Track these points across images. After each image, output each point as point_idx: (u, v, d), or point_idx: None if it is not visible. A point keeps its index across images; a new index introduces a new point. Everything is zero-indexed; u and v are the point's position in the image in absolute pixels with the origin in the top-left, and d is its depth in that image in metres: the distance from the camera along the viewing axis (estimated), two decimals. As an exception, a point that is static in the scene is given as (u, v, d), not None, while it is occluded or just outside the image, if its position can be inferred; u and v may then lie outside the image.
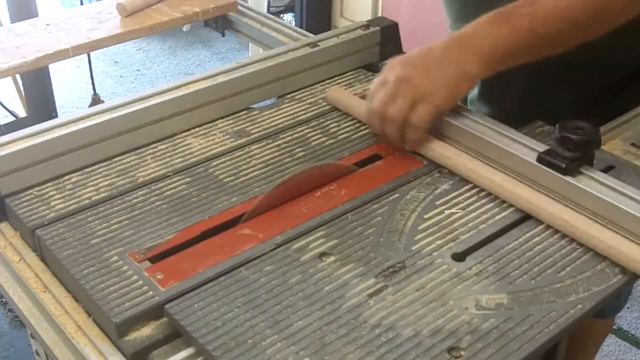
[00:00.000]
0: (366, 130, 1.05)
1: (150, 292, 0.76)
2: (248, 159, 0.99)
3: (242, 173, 0.96)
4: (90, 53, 1.92)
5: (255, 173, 0.96)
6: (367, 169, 0.98)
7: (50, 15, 1.52)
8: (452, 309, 0.75)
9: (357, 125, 1.06)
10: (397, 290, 0.77)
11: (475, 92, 1.27)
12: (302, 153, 1.01)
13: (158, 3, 1.55)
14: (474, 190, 0.92)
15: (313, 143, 1.03)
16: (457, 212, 0.89)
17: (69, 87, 3.32)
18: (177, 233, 0.85)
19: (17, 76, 2.45)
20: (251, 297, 0.76)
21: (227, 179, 0.95)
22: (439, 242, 0.84)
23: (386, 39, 1.22)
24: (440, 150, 0.97)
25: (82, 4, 2.42)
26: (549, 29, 0.92)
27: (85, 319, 0.77)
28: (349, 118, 1.08)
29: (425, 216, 0.88)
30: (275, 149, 1.02)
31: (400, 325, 0.73)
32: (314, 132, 1.05)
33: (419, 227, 0.86)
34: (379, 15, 2.94)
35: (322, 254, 0.82)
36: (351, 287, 0.77)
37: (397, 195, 0.92)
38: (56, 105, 2.40)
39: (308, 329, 0.72)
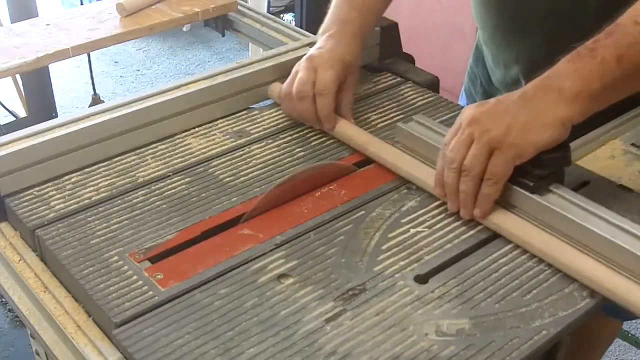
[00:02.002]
0: (366, 130, 1.05)
1: (150, 292, 0.76)
2: (248, 159, 0.99)
3: (242, 173, 0.96)
4: (90, 53, 1.92)
5: (255, 173, 0.96)
6: (367, 168, 0.98)
7: (50, 15, 1.52)
8: (412, 335, 0.72)
9: (357, 125, 1.06)
10: (356, 314, 0.74)
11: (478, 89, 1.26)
12: (302, 153, 1.01)
13: (158, 3, 1.55)
14: (441, 208, 0.89)
15: (313, 143, 1.03)
16: (423, 231, 0.85)
17: (69, 87, 3.32)
18: (177, 233, 0.85)
19: (17, 76, 2.45)
20: (203, 323, 0.73)
21: (227, 179, 0.95)
22: (402, 262, 0.81)
23: (386, 39, 1.22)
24: (409, 168, 0.94)
25: (82, 4, 2.42)
26: (638, 55, 0.81)
27: (85, 319, 0.77)
28: (349, 118, 1.08)
29: (390, 235, 0.85)
30: (275, 149, 1.02)
31: (356, 352, 0.70)
32: (314, 132, 1.05)
33: (383, 247, 0.83)
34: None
35: (281, 276, 0.79)
36: (308, 311, 0.74)
37: (363, 212, 0.88)
38: (56, 105, 2.39)
39: (260, 357, 0.69)
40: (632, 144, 1.00)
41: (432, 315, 0.74)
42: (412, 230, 0.86)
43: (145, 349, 0.70)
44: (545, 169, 0.83)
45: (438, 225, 0.87)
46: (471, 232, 0.85)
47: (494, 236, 0.85)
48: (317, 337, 0.71)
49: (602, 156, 0.98)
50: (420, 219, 0.88)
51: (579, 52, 0.83)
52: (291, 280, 0.78)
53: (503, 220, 0.84)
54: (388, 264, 0.81)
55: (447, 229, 0.86)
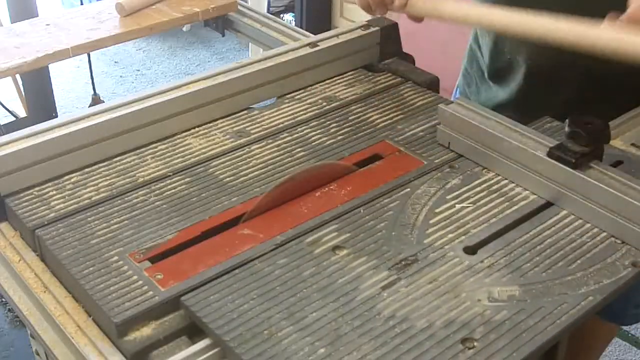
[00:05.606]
0: (366, 130, 1.05)
1: (150, 292, 0.76)
2: (248, 159, 0.99)
3: (242, 173, 0.96)
4: (90, 53, 1.92)
5: (255, 173, 0.96)
6: (367, 168, 0.98)
7: (50, 15, 1.52)
8: (465, 301, 0.75)
9: (357, 125, 1.07)
10: (410, 282, 0.78)
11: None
12: (302, 153, 1.01)
13: (158, 3, 1.55)
14: (484, 185, 0.93)
15: (313, 143, 1.03)
16: (468, 207, 0.89)
17: (69, 87, 3.32)
18: (177, 233, 0.85)
19: (17, 76, 2.45)
20: (266, 290, 0.76)
21: (227, 179, 0.95)
22: (450, 235, 0.85)
23: (386, 39, 1.22)
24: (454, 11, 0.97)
25: (82, 4, 2.42)
26: None
27: (85, 319, 0.77)
28: (349, 118, 1.08)
29: (437, 210, 0.89)
30: (275, 149, 1.02)
31: (413, 316, 0.73)
32: (314, 132, 1.05)
33: (431, 221, 0.87)
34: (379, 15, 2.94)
35: (335, 247, 0.82)
36: (364, 279, 0.78)
37: (409, 189, 0.92)
38: (56, 105, 2.40)
39: (323, 321, 0.73)
40: (632, 144, 1.00)
41: (483, 283, 0.78)
42: (457, 206, 0.89)
43: (213, 314, 0.73)
44: (586, 146, 0.87)
45: (482, 202, 0.90)
46: (514, 207, 0.89)
47: (536, 210, 0.88)
48: (375, 303, 0.75)
49: (602, 156, 0.99)
50: (465, 195, 0.91)
51: None
52: (345, 251, 0.82)
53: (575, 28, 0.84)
54: (437, 236, 0.84)
55: (491, 204, 0.90)
